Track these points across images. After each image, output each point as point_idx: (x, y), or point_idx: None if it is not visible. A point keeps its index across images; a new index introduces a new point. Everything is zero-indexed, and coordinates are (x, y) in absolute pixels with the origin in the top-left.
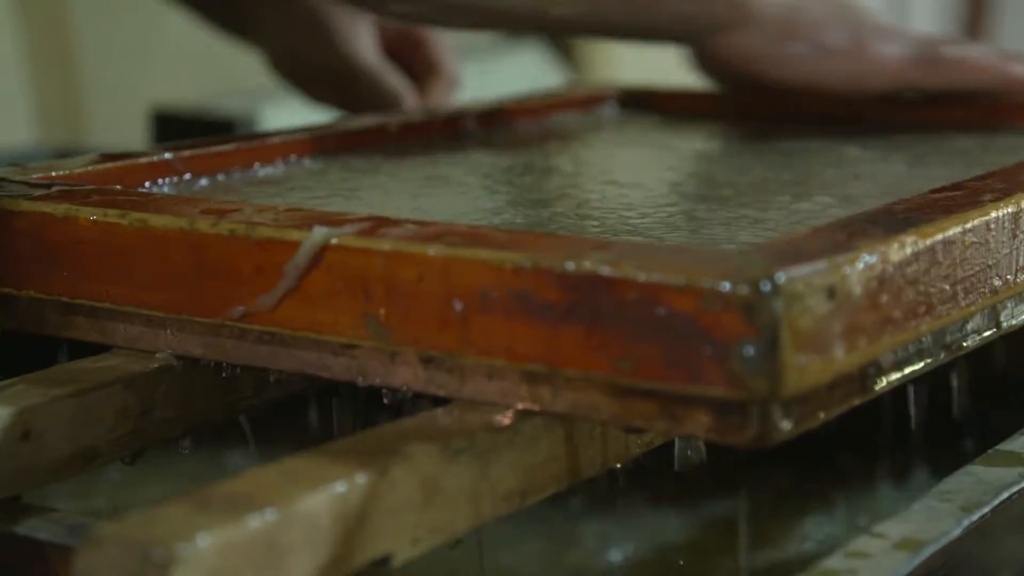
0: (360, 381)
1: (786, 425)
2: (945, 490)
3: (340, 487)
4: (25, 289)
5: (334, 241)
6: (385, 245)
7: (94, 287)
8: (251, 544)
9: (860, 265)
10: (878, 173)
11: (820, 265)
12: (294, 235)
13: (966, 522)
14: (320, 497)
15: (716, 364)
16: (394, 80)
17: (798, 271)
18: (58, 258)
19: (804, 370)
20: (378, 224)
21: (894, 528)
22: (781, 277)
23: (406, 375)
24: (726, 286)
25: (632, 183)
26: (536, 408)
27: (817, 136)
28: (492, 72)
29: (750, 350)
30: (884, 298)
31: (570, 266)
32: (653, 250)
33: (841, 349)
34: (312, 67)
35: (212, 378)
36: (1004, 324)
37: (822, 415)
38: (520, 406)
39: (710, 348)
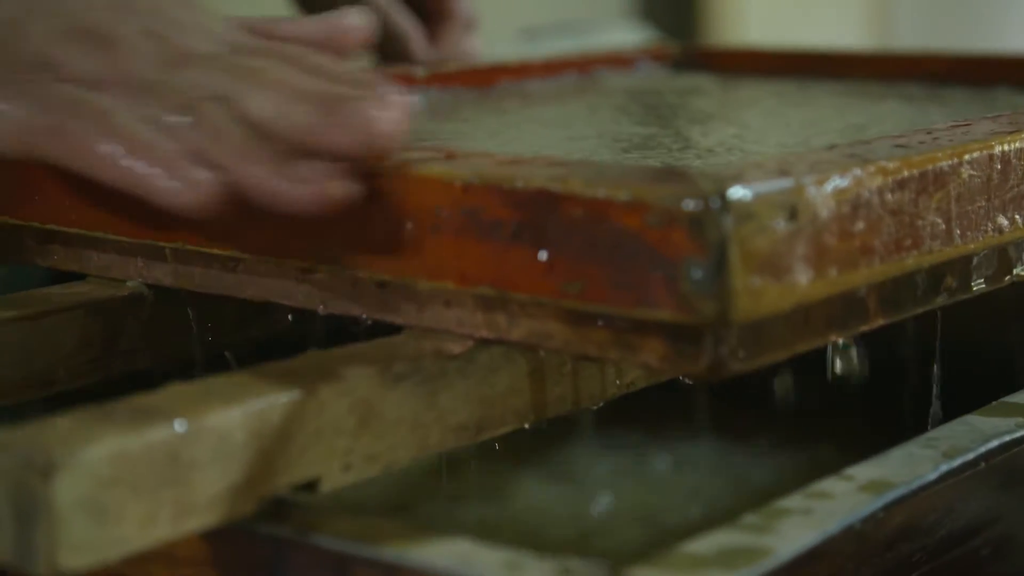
0: (321, 309)
1: (741, 355)
2: (932, 437)
3: (259, 404)
4: (2, 215)
5: None
6: None
7: (66, 213)
8: (150, 456)
9: (828, 187)
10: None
11: (782, 183)
12: None
13: (944, 468)
14: (233, 413)
15: (664, 285)
16: (402, 20)
17: (754, 188)
18: (32, 183)
19: (759, 294)
20: None
21: (865, 471)
22: (735, 193)
23: (364, 302)
24: (673, 201)
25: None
26: (492, 336)
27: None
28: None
29: (698, 270)
30: (859, 225)
31: (518, 183)
32: (607, 168)
33: (805, 275)
34: (313, 3)
35: (188, 312)
36: (1018, 269)
37: (788, 349)
38: (477, 335)
39: (658, 268)
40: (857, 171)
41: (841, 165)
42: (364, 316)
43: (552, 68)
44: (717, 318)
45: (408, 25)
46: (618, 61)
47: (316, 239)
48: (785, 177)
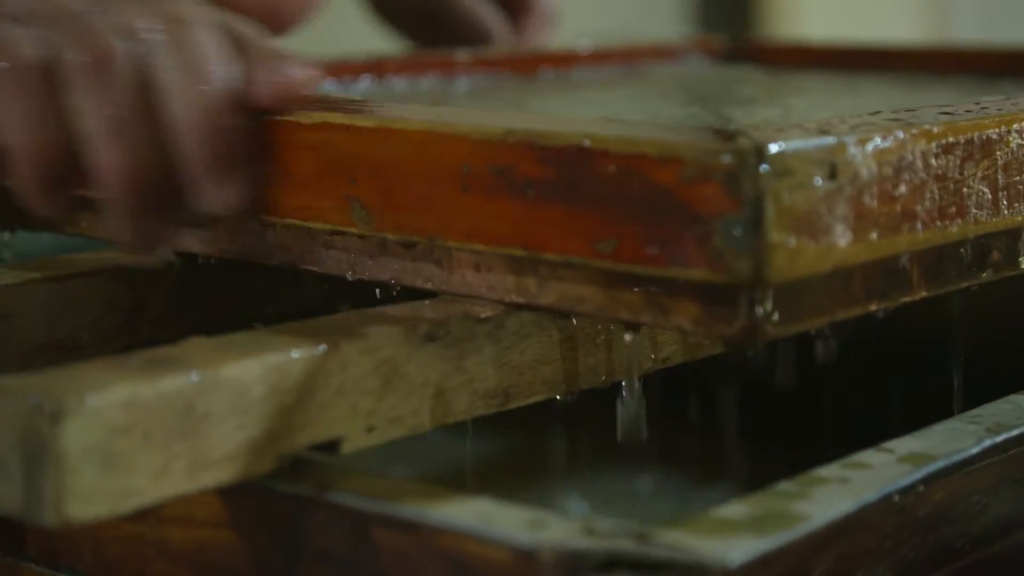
0: (350, 275)
1: (777, 319)
2: (976, 414)
3: (277, 358)
4: None
5: (315, 119)
6: (368, 122)
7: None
8: (163, 405)
9: (870, 147)
10: None
11: (822, 141)
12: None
13: (988, 443)
14: (252, 365)
15: (697, 242)
16: (486, 13)
17: (793, 144)
18: None
19: (796, 254)
20: (363, 104)
21: (905, 444)
22: (773, 148)
23: (393, 267)
24: (708, 155)
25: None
26: (523, 301)
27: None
28: None
29: (733, 226)
30: (902, 189)
31: (550, 138)
32: (641, 125)
33: (844, 237)
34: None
35: (219, 280)
36: None
37: (826, 316)
38: (508, 299)
39: (691, 224)
40: (900, 133)
41: (884, 127)
42: (393, 281)
43: (598, 58)
44: (752, 277)
45: (491, 17)
46: (664, 53)
47: (343, 201)
48: (826, 136)
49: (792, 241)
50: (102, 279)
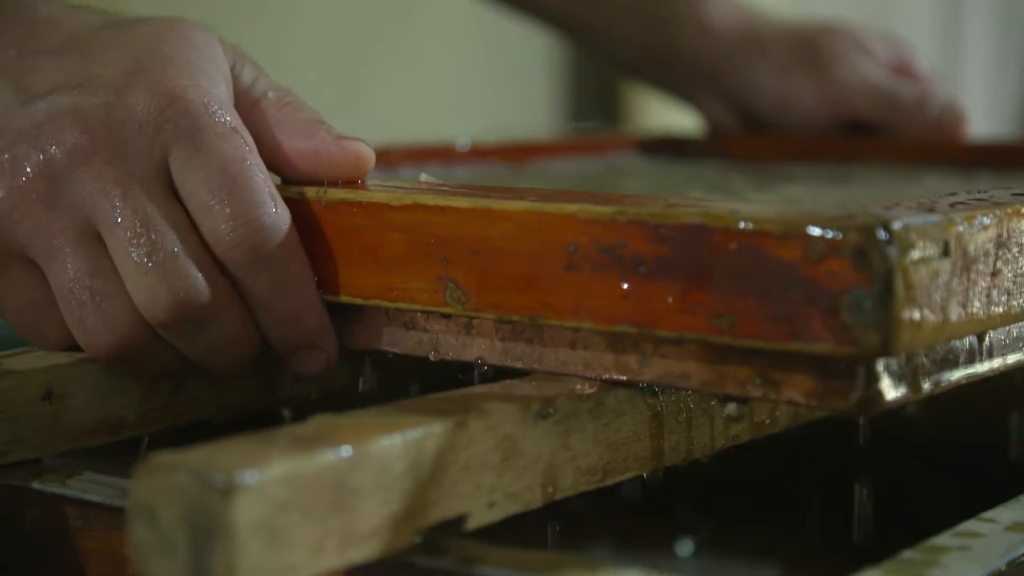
0: (432, 356)
1: (894, 390)
2: None
3: (416, 434)
4: None
5: (410, 199)
6: (464, 203)
7: None
8: (319, 481)
9: (976, 225)
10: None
11: (934, 218)
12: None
13: None
14: (395, 440)
15: (823, 317)
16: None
17: (913, 220)
18: None
19: (917, 327)
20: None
21: (1003, 514)
22: (897, 224)
23: (482, 347)
24: (836, 232)
25: None
26: (622, 378)
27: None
28: None
29: (862, 301)
30: (999, 265)
31: (664, 217)
32: (754, 204)
33: (955, 311)
34: None
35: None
36: None
37: (927, 386)
38: (605, 376)
39: (816, 299)
40: (997, 211)
41: (982, 207)
42: (479, 361)
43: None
44: (880, 351)
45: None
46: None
47: (436, 281)
48: (933, 213)
49: (916, 315)
50: None
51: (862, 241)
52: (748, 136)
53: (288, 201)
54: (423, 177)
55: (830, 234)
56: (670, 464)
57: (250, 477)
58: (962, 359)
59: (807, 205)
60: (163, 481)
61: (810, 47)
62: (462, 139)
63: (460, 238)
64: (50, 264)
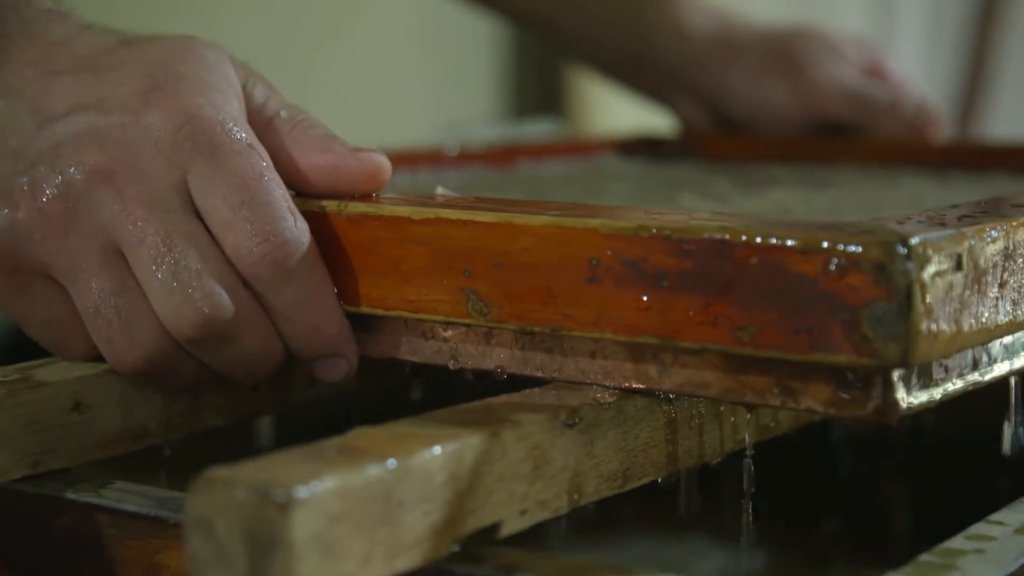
0: (451, 365)
1: (909, 398)
2: None
3: (454, 445)
4: None
5: (433, 213)
6: (487, 217)
7: None
8: (368, 493)
9: (986, 238)
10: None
11: (948, 232)
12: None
13: None
14: (435, 453)
15: (844, 329)
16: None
17: (929, 235)
18: None
19: (933, 338)
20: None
21: (1011, 516)
22: (915, 239)
23: (501, 356)
24: (856, 248)
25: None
26: (642, 387)
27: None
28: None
29: (883, 314)
30: (1006, 276)
31: (687, 232)
32: (775, 219)
33: (967, 322)
34: None
35: None
36: None
37: (938, 394)
38: (624, 385)
39: (837, 312)
40: (1005, 225)
41: (989, 220)
42: (499, 369)
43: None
44: (899, 362)
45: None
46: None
47: (458, 293)
48: (945, 227)
49: (933, 327)
50: None
51: (882, 256)
52: (723, 137)
53: (309, 214)
54: (439, 190)
55: (851, 249)
56: (684, 468)
57: (306, 491)
58: (970, 367)
59: (824, 219)
60: (221, 496)
61: (784, 51)
62: (451, 143)
63: (483, 251)
64: (74, 284)
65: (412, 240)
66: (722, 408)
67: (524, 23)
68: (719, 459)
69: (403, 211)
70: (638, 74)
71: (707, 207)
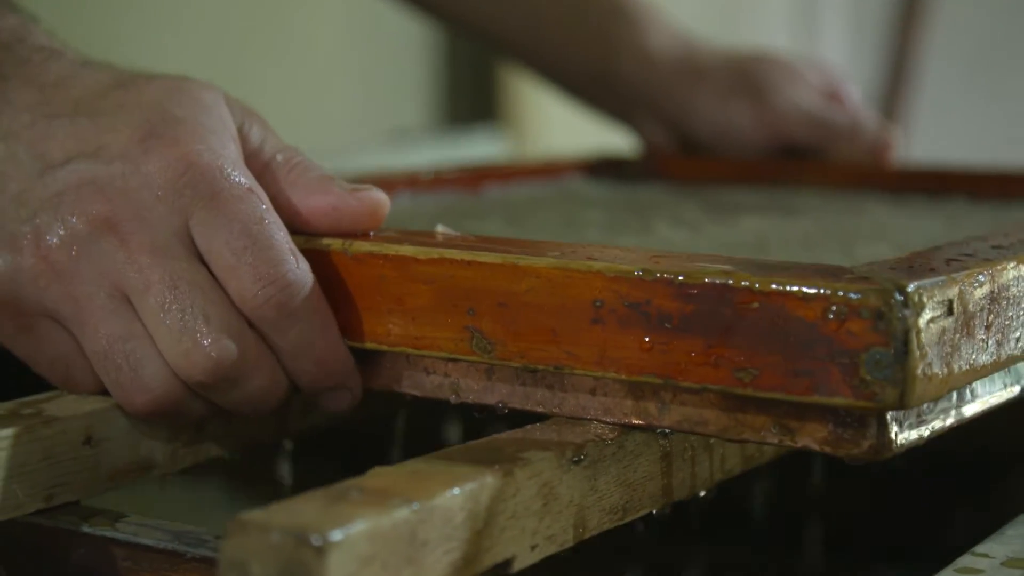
0: (453, 399)
1: (902, 436)
2: None
3: (471, 485)
4: None
5: (437, 253)
6: (491, 258)
7: None
8: (396, 534)
9: (975, 283)
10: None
11: (940, 279)
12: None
13: None
14: (455, 493)
15: (842, 373)
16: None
17: (924, 282)
18: None
19: (927, 381)
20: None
21: (996, 548)
22: (911, 287)
23: (503, 391)
24: (855, 295)
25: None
26: (641, 423)
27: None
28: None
29: (880, 357)
30: (991, 318)
31: (690, 276)
32: (776, 264)
33: (957, 364)
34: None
35: None
36: None
37: (927, 432)
38: (624, 421)
39: (836, 356)
40: (989, 269)
41: (975, 264)
42: (500, 404)
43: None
44: (896, 404)
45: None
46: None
47: (462, 331)
48: (936, 273)
49: (927, 370)
50: None
51: (880, 304)
52: (685, 159)
53: (314, 253)
54: (439, 228)
55: (850, 296)
56: (678, 499)
57: (340, 534)
58: (955, 405)
59: (821, 265)
60: (257, 539)
61: (747, 75)
62: (426, 169)
63: (487, 291)
64: (81, 329)
65: (417, 279)
66: (712, 440)
67: (485, 40)
68: (709, 489)
69: (408, 251)
70: (601, 94)
71: (683, 236)
